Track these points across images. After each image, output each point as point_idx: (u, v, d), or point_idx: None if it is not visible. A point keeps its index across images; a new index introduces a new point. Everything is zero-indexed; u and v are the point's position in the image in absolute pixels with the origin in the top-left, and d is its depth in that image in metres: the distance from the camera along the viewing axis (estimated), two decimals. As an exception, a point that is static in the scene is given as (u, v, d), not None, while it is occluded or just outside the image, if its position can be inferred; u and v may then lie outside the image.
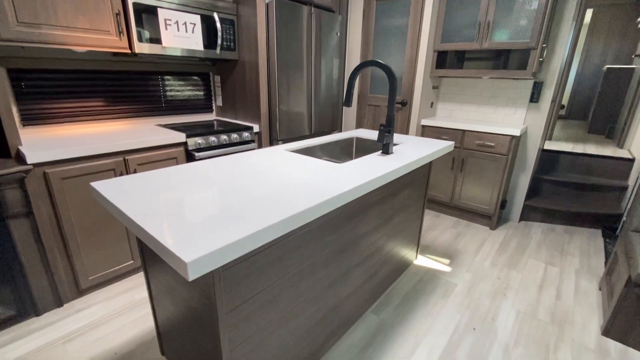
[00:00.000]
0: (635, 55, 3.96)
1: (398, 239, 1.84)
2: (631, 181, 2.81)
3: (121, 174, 1.78)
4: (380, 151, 1.57)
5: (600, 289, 2.01)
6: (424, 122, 2.89)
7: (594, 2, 5.39)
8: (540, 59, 2.41)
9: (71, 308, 1.74)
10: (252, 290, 0.94)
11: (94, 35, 1.76)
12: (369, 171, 1.24)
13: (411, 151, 1.61)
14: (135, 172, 1.83)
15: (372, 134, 2.07)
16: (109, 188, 1.01)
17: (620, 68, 4.00)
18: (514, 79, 2.69)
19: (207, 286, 0.85)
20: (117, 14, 1.81)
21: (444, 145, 1.77)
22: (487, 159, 2.64)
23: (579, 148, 3.40)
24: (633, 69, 3.89)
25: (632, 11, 5.04)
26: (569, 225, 2.90)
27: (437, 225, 2.84)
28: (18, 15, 1.52)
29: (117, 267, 1.90)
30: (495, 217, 2.74)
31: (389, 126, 1.46)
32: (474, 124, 2.65)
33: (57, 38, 1.65)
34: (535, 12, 2.26)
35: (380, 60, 1.44)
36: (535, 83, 2.62)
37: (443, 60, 2.90)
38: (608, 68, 4.09)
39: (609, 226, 2.73)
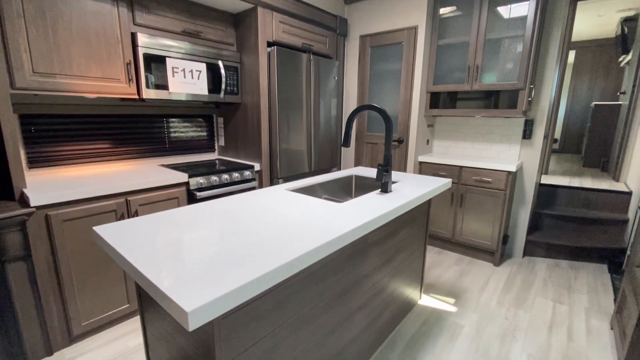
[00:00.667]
0: (620, 93, 4.15)
1: (401, 279, 1.81)
2: (631, 214, 2.81)
3: (122, 216, 1.79)
4: (379, 189, 1.59)
5: (611, 328, 1.94)
6: (421, 158, 2.95)
7: (576, 44, 5.75)
8: (529, 99, 2.52)
9: (61, 357, 1.66)
10: (252, 338, 0.91)
11: (105, 83, 1.86)
12: (369, 210, 1.26)
13: (409, 189, 1.63)
14: (136, 213, 1.85)
15: (371, 172, 2.11)
16: (111, 232, 1.02)
17: (607, 104, 4.16)
18: (505, 117, 2.79)
19: (206, 335, 0.83)
20: (128, 64, 1.93)
21: (441, 183, 1.80)
22: (486, 195, 2.66)
23: (575, 182, 3.44)
24: (619, 105, 4.05)
25: (613, 51, 5.35)
26: (574, 260, 2.86)
27: (441, 263, 2.79)
28: (34, 65, 1.62)
29: (111, 312, 1.84)
30: (498, 253, 2.70)
31: (386, 165, 1.50)
32: (471, 160, 2.71)
33: (70, 86, 1.74)
34: (520, 55, 2.41)
35: (375, 104, 1.51)
36: (526, 121, 2.72)
37: (436, 100, 3.03)
38: (596, 105, 4.26)
39: (614, 261, 2.68)
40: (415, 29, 2.75)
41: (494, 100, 2.85)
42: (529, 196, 2.82)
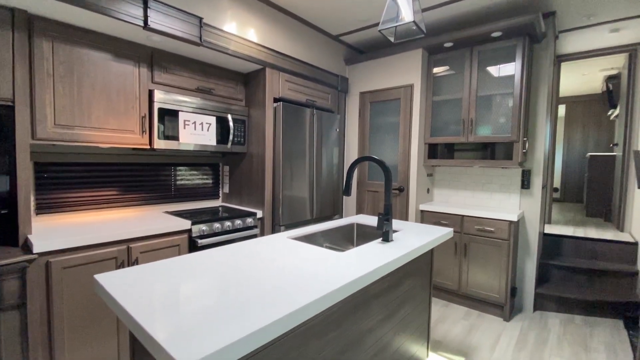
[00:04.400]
0: (613, 145, 4.28)
1: (406, 334, 1.72)
2: (639, 266, 2.74)
3: (122, 264, 1.78)
4: (381, 238, 1.60)
5: (638, 395, 1.79)
6: (423, 207, 2.97)
7: (566, 98, 6.07)
8: (524, 151, 2.62)
9: (40, 420, 1.53)
10: (248, 398, 0.87)
11: (120, 134, 1.98)
12: (370, 260, 1.25)
13: (411, 238, 1.63)
14: (136, 261, 1.84)
15: (372, 220, 2.13)
16: (112, 281, 1.02)
17: (602, 155, 4.27)
18: (502, 167, 2.87)
19: (199, 394, 0.79)
20: (143, 117, 2.07)
21: (443, 232, 1.80)
22: (489, 244, 2.63)
23: (580, 232, 3.41)
24: (614, 156, 4.16)
25: (601, 105, 5.63)
26: (588, 315, 2.72)
27: (447, 317, 2.67)
28: (57, 119, 1.75)
29: (100, 368, 1.74)
30: (507, 307, 2.59)
31: (387, 215, 1.52)
32: (472, 209, 2.73)
33: (87, 137, 1.85)
34: (512, 110, 2.55)
35: (374, 156, 1.58)
36: (523, 171, 2.79)
37: (434, 150, 3.14)
38: (591, 156, 4.38)
39: (630, 316, 2.55)
40: (411, 86, 2.96)
41: (490, 150, 2.95)
42: (533, 246, 2.78)
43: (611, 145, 4.72)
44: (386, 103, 3.16)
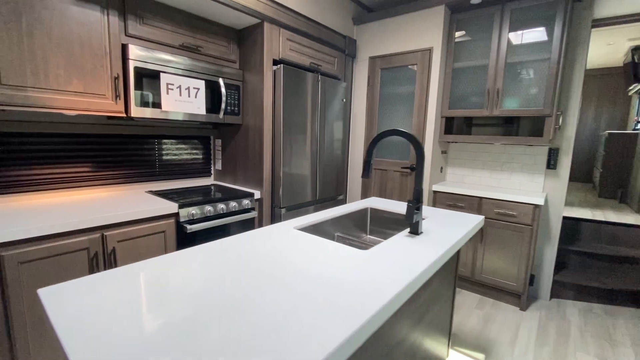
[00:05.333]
0: (638, 121, 4.01)
1: (430, 337, 1.50)
2: (667, 254, 2.56)
3: (96, 256, 1.49)
4: (407, 230, 1.33)
5: (677, 398, 1.63)
6: (435, 187, 2.71)
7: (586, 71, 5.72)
8: (557, 126, 2.33)
9: None
10: None
11: (88, 99, 1.62)
12: (406, 262, 0.99)
13: (442, 230, 1.37)
14: (113, 252, 1.55)
15: (386, 204, 1.86)
16: (58, 306, 0.73)
17: (622, 134, 4.02)
18: (528, 145, 2.59)
19: None
20: (116, 78, 1.70)
21: (475, 222, 1.54)
22: (510, 229, 2.41)
23: (598, 215, 3.21)
24: (636, 134, 3.90)
25: (619, 80, 5.31)
26: (608, 304, 2.56)
27: (461, 305, 2.48)
28: (3, 77, 1.38)
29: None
30: (525, 296, 2.41)
31: (418, 202, 1.24)
32: (492, 191, 2.47)
33: (46, 102, 1.49)
34: (546, 79, 2.23)
35: (402, 129, 1.27)
36: (550, 149, 2.51)
37: (450, 125, 2.83)
38: (609, 134, 4.12)
39: (654, 307, 2.40)
40: (429, 50, 2.59)
41: (514, 126, 2.66)
42: (555, 231, 2.56)
43: (636, 120, 4.44)
44: (400, 70, 2.80)
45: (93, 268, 1.50)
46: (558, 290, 2.66)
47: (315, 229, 1.50)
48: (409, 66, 2.72)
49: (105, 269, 1.54)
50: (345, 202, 3.23)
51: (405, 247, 1.13)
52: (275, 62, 2.26)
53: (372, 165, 1.38)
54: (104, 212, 1.54)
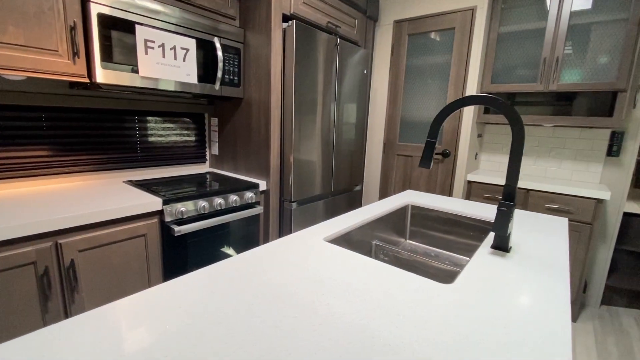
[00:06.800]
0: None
1: None
2: None
3: (46, 273, 1.08)
4: (487, 244, 0.92)
5: None
6: (470, 177, 2.30)
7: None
8: (632, 104, 1.91)
9: None
10: None
11: (33, 56, 1.17)
12: (534, 313, 0.59)
13: (531, 241, 0.97)
14: (72, 265, 1.14)
15: (429, 199, 1.45)
16: None
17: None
18: (585, 127, 2.17)
19: None
20: (73, 28, 1.24)
21: (563, 225, 1.14)
22: (564, 228, 2.02)
23: (647, 209, 2.82)
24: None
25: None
26: (669, 313, 2.22)
27: (500, 315, 2.12)
28: None
29: None
30: (577, 305, 2.06)
31: (512, 203, 0.83)
32: (543, 183, 2.07)
33: (-37, 56, 1.04)
34: (623, 44, 1.79)
35: (498, 97, 0.85)
36: (613, 133, 2.10)
37: (489, 104, 2.40)
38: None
39: None
40: (472, 11, 2.13)
41: (567, 105, 2.23)
42: (612, 230, 2.19)
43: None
44: (432, 36, 2.33)
45: (44, 289, 1.09)
46: (609, 296, 2.31)
47: (349, 239, 1.09)
48: (445, 31, 2.26)
49: (62, 289, 1.14)
50: (362, 194, 2.83)
51: (510, 279, 0.73)
52: (285, 19, 1.80)
53: (435, 149, 0.96)
54: (59, 211, 1.12)
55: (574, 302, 2.07)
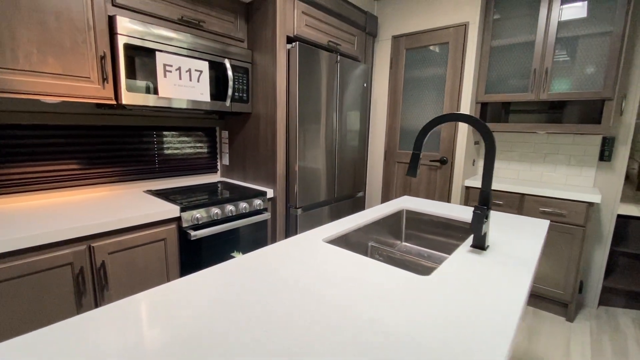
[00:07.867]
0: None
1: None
2: None
3: (81, 272, 1.24)
4: (466, 244, 1.04)
5: None
6: (468, 182, 2.41)
7: None
8: (619, 112, 2.00)
9: None
10: None
11: (68, 83, 1.34)
12: (492, 297, 0.71)
13: (508, 240, 1.08)
14: (103, 266, 1.29)
15: (422, 204, 1.57)
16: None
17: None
18: (577, 134, 2.26)
19: None
20: (102, 57, 1.41)
21: (543, 227, 1.25)
22: (558, 231, 2.11)
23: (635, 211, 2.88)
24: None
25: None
26: (666, 313, 2.27)
27: (498, 315, 2.21)
28: (-41, 55, 1.11)
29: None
30: (573, 305, 2.13)
31: (486, 207, 0.95)
32: (537, 187, 2.17)
33: (15, 85, 1.22)
34: (608, 55, 1.90)
35: (472, 115, 0.97)
36: (604, 139, 2.19)
37: (484, 112, 2.51)
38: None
39: None
40: (465, 26, 2.26)
41: (559, 113, 2.33)
42: (606, 232, 2.26)
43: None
44: (428, 50, 2.47)
45: (79, 287, 1.24)
46: (606, 297, 2.37)
47: (346, 240, 1.22)
48: (440, 45, 2.39)
49: (93, 287, 1.29)
50: (365, 200, 2.95)
51: (479, 272, 0.85)
52: (289, 40, 1.96)
53: (420, 160, 1.09)
54: (90, 219, 1.28)
55: (570, 302, 2.14)
